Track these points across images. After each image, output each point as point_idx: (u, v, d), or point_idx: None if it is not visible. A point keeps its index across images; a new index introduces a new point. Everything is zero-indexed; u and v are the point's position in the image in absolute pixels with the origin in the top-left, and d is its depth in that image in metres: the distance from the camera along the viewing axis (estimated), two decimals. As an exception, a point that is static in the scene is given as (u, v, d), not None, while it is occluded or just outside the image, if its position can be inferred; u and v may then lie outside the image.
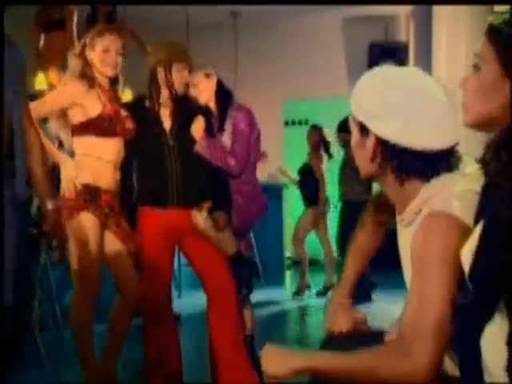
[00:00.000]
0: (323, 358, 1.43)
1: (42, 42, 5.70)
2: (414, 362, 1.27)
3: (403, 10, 7.91)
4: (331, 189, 6.32)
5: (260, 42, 8.45)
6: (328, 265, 6.27)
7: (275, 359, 1.46)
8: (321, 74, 8.21)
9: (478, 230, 1.23)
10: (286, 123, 8.86)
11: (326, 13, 7.98)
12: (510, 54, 1.20)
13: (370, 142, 1.46)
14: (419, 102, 1.42)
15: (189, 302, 5.47)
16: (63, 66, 5.43)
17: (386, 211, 1.72)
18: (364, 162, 1.51)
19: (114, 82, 3.07)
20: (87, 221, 2.93)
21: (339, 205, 6.16)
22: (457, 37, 4.63)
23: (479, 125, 1.29)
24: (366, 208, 1.88)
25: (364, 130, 1.47)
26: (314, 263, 7.71)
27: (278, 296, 6.23)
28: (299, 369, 1.41)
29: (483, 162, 1.26)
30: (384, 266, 4.05)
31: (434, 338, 1.27)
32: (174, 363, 3.18)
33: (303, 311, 5.78)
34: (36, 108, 2.87)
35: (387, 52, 7.53)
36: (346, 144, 5.76)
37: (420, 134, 1.40)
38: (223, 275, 3.13)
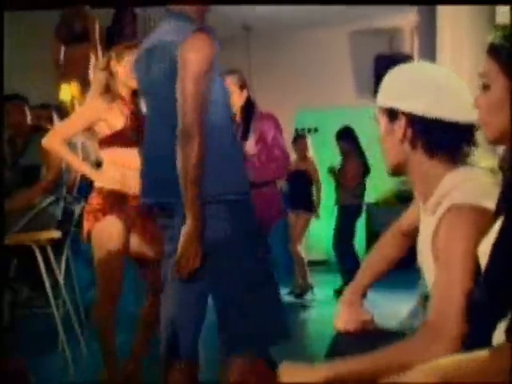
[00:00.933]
0: (344, 364, 1.39)
1: (62, 55, 5.85)
2: (445, 338, 1.31)
3: (407, 24, 8.08)
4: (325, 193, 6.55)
5: (272, 55, 8.60)
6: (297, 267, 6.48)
7: (295, 376, 1.41)
8: (329, 84, 8.37)
9: (495, 229, 1.25)
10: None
11: (335, 26, 8.13)
12: None
13: (400, 124, 1.53)
14: (444, 81, 1.55)
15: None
16: (84, 78, 5.60)
17: (415, 230, 1.71)
18: (393, 148, 1.57)
19: (135, 93, 3.08)
20: (112, 224, 3.01)
21: (335, 208, 6.40)
22: (460, 51, 4.81)
23: (501, 140, 1.31)
24: (400, 218, 1.86)
25: (393, 115, 1.55)
26: (320, 264, 7.89)
27: (287, 296, 6.22)
28: (322, 380, 1.36)
29: (501, 169, 1.36)
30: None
31: (460, 323, 1.31)
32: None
33: (313, 310, 5.88)
34: (64, 129, 3.10)
35: (393, 63, 7.66)
36: (343, 151, 6.31)
37: (448, 107, 1.50)
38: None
